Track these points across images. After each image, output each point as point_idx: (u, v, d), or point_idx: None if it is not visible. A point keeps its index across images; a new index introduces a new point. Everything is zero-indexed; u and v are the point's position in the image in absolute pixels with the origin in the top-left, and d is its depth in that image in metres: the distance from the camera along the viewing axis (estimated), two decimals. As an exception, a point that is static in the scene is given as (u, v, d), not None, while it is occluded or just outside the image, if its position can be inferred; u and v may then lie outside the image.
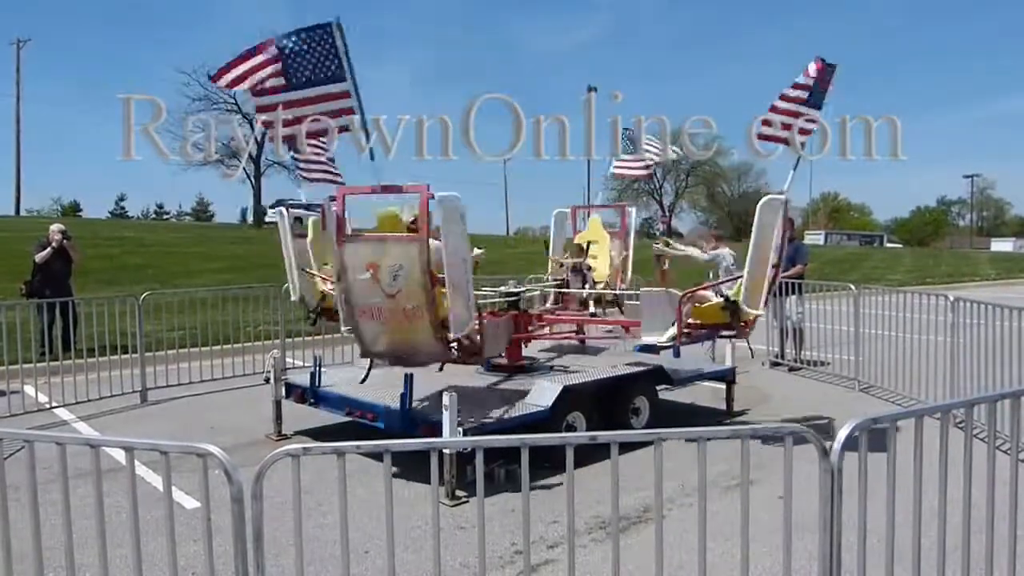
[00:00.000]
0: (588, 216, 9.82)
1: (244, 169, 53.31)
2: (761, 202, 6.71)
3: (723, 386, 8.40)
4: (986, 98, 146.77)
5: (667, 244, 7.24)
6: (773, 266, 6.63)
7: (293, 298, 7.88)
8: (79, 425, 7.97)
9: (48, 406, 8.49)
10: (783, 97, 6.66)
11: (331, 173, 8.33)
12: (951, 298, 7.95)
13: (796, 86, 6.64)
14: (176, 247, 26.92)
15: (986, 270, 34.89)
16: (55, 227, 11.58)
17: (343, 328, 6.46)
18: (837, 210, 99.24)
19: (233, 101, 53.33)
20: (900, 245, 74.34)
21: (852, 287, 10.11)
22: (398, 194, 5.88)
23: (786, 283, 10.67)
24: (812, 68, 6.64)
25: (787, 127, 6.69)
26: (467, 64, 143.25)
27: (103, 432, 7.52)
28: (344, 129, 5.84)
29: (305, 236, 7.78)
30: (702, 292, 7.18)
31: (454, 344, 6.06)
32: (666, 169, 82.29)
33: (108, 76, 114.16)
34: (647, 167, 10.16)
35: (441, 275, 5.76)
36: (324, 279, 7.53)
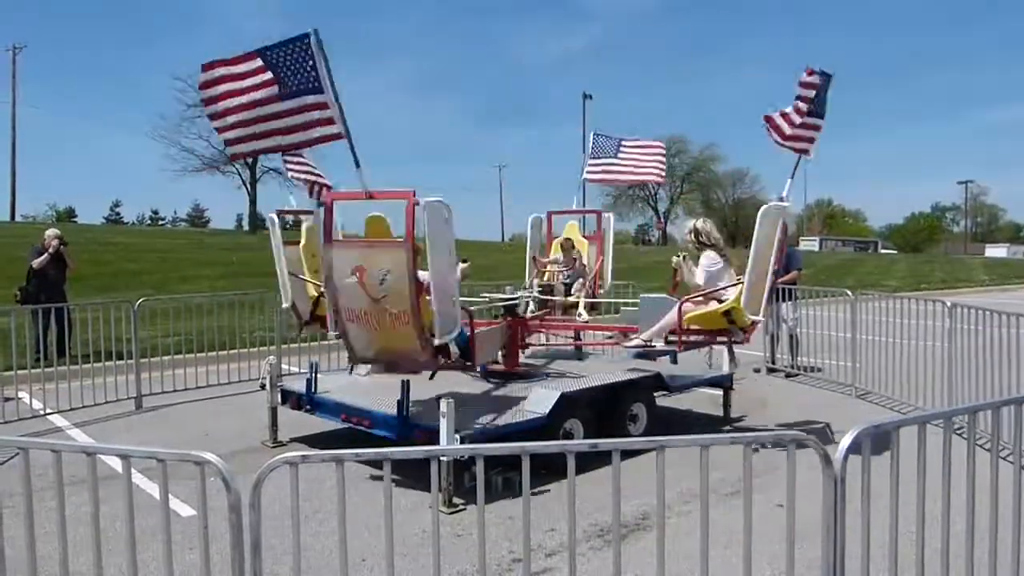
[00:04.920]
0: (564, 221, 9.86)
1: (240, 175, 53.28)
2: (762, 210, 6.75)
3: (720, 392, 8.39)
4: (980, 105, 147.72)
5: (684, 259, 7.30)
6: (772, 272, 6.68)
7: (284, 305, 7.75)
8: (74, 432, 7.91)
9: (43, 413, 8.43)
10: (795, 109, 6.83)
11: (316, 174, 8.35)
12: (949, 304, 7.95)
13: (802, 98, 6.79)
14: (172, 253, 26.87)
15: (980, 276, 35.02)
16: (51, 233, 11.54)
17: (331, 333, 6.45)
18: (832, 216, 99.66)
19: (229, 107, 53.43)
20: (894, 251, 74.59)
21: (849, 293, 10.11)
22: (386, 199, 5.95)
23: (780, 289, 10.68)
24: (808, 78, 6.77)
25: (796, 138, 6.86)
26: (460, 72, 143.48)
27: (98, 439, 7.47)
28: (329, 138, 5.85)
29: (298, 243, 7.78)
30: (697, 301, 7.11)
31: (442, 350, 6.08)
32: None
33: (103, 82, 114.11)
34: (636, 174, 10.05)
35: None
36: (317, 285, 7.52)
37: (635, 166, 9.93)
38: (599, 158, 9.84)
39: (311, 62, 5.63)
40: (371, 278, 5.73)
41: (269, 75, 5.75)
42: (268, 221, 7.80)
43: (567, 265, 9.21)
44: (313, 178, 8.27)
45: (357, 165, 5.78)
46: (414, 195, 5.65)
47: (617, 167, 9.85)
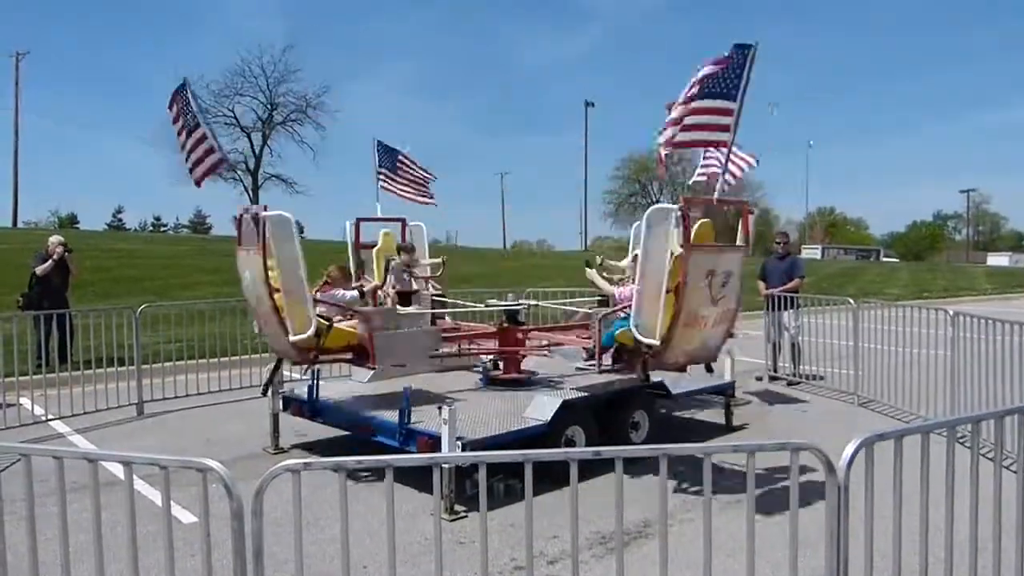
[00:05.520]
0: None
1: (242, 182, 53.37)
2: (648, 212, 6.06)
3: (722, 400, 8.38)
4: (982, 112, 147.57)
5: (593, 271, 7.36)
6: (668, 291, 5.86)
7: (297, 337, 6.55)
8: (75, 438, 7.91)
9: (44, 419, 8.43)
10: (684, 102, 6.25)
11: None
12: (951, 312, 7.94)
13: (697, 83, 6.17)
14: (174, 259, 26.89)
15: (983, 284, 34.97)
16: (55, 239, 11.56)
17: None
18: (834, 224, 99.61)
19: (232, 114, 53.61)
20: (896, 259, 74.52)
21: (851, 301, 10.10)
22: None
23: (782, 297, 10.68)
24: (707, 68, 6.12)
25: (701, 127, 6.20)
26: (461, 76, 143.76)
27: (99, 445, 7.47)
28: (720, 143, 6.41)
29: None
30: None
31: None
32: (663, 183, 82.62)
33: (105, 88, 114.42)
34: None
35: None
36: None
37: (408, 187, 10.18)
38: (383, 168, 9.99)
39: (739, 70, 6.01)
40: (717, 281, 5.93)
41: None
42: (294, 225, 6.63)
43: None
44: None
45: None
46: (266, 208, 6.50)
47: (395, 181, 10.06)
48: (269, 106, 54.64)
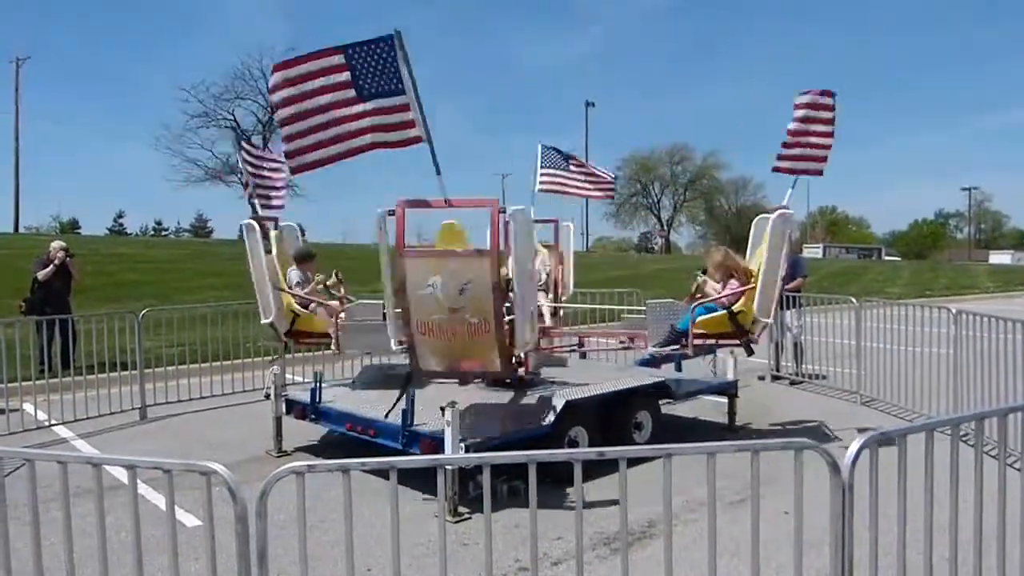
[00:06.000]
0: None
1: (243, 185, 53.42)
2: (776, 217, 6.92)
3: (725, 400, 8.37)
4: (984, 111, 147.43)
5: (704, 280, 7.45)
6: (781, 277, 7.02)
7: (264, 321, 7.58)
8: (78, 443, 7.92)
9: (47, 424, 8.44)
10: (795, 132, 7.24)
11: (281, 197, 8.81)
12: (954, 311, 7.93)
13: (819, 119, 7.26)
14: (175, 263, 26.92)
15: (985, 283, 34.95)
16: (57, 244, 11.57)
17: (394, 344, 6.26)
18: (835, 223, 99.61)
19: (232, 118, 53.66)
20: (898, 258, 74.49)
21: (854, 300, 10.10)
22: (462, 208, 5.89)
23: (785, 296, 10.67)
24: (823, 99, 7.26)
25: (803, 158, 7.30)
26: (462, 76, 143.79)
27: (103, 449, 7.48)
28: (408, 142, 5.75)
29: (269, 252, 7.66)
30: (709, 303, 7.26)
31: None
32: (664, 183, 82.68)
33: (106, 93, 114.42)
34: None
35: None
36: (303, 298, 7.76)
37: (586, 183, 10.21)
38: (548, 168, 9.95)
39: (394, 64, 5.54)
40: (450, 288, 5.62)
41: (346, 76, 5.60)
42: (244, 228, 7.52)
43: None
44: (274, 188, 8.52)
45: (438, 172, 5.73)
46: (498, 203, 5.63)
47: (569, 181, 10.08)
48: (269, 109, 54.66)
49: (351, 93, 5.63)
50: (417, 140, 5.71)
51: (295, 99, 5.71)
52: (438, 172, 5.71)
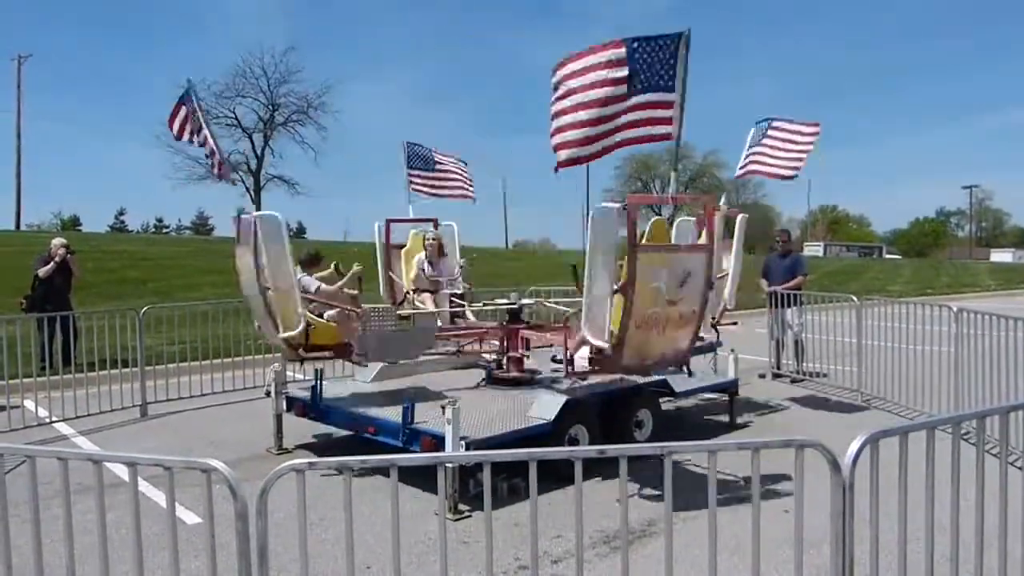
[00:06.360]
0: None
1: (244, 183, 53.38)
2: (593, 211, 5.86)
3: (726, 398, 8.37)
4: (985, 109, 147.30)
5: None
6: (615, 291, 5.79)
7: (287, 334, 6.86)
8: (79, 440, 7.92)
9: (48, 421, 8.45)
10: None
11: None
12: (955, 309, 7.92)
13: (605, 82, 5.81)
14: (176, 260, 26.90)
15: (986, 281, 34.93)
16: (57, 241, 11.58)
17: (604, 344, 5.84)
18: (836, 222, 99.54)
19: (233, 116, 53.61)
20: (899, 256, 74.43)
21: (854, 298, 10.09)
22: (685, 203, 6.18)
23: (785, 295, 10.67)
24: (609, 55, 5.78)
25: (637, 124, 6.03)
26: (466, 79, 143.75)
27: (103, 446, 7.47)
28: (659, 138, 5.83)
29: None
30: None
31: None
32: (665, 181, 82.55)
33: (107, 91, 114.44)
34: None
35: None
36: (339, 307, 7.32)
37: (450, 183, 9.92)
38: (752, 147, 8.96)
39: (673, 60, 5.56)
40: (672, 281, 5.68)
41: (624, 71, 5.56)
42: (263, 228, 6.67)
43: None
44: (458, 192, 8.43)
45: (675, 168, 5.85)
46: (714, 200, 5.83)
47: (764, 156, 8.83)
48: (270, 107, 54.62)
49: (623, 89, 5.64)
50: (667, 137, 5.77)
51: (575, 91, 5.70)
52: (675, 169, 5.87)
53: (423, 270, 9.10)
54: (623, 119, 5.68)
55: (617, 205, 5.71)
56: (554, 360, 7.56)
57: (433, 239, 9.23)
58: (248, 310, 11.13)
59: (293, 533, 2.98)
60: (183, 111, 7.19)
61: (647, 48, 5.47)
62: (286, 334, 6.83)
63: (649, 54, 5.52)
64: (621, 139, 5.71)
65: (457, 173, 10.18)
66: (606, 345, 5.83)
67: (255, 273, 6.75)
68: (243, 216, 6.90)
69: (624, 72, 5.50)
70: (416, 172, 9.91)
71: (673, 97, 5.58)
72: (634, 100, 5.62)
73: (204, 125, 7.21)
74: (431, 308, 8.77)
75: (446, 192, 10.13)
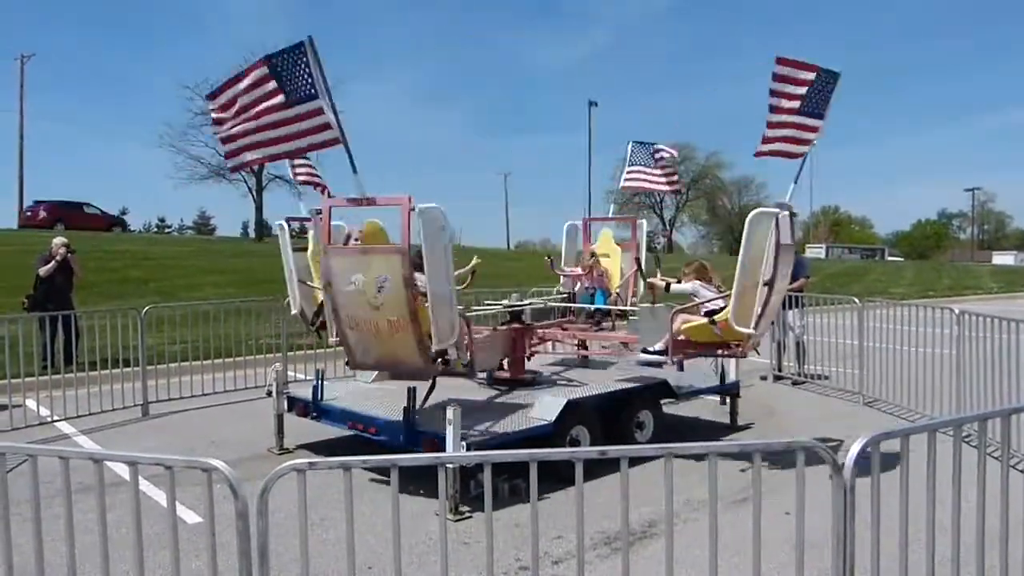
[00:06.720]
0: (599, 229, 9.81)
1: (246, 183, 53.42)
2: (751, 215, 6.40)
3: (727, 400, 8.36)
4: (987, 111, 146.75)
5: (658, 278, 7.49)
6: (765, 283, 6.23)
7: (294, 311, 7.84)
8: (80, 439, 7.92)
9: (50, 420, 8.45)
10: (777, 109, 6.43)
11: (314, 175, 8.50)
12: (957, 311, 7.92)
13: (788, 96, 6.39)
14: (178, 260, 26.93)
15: (988, 283, 34.86)
16: (58, 241, 11.60)
17: (331, 339, 6.56)
18: (838, 223, 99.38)
19: (235, 115, 53.61)
20: (901, 258, 74.34)
21: (856, 300, 10.08)
22: (385, 206, 5.94)
23: (787, 297, 10.64)
24: (801, 72, 6.37)
25: (787, 139, 6.51)
26: (466, 80, 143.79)
27: (105, 446, 7.48)
28: (326, 144, 5.85)
29: (306, 249, 7.79)
30: (690, 312, 6.92)
31: (440, 357, 6.02)
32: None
33: (110, 91, 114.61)
34: (668, 182, 9.99)
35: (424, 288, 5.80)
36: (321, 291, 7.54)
37: (663, 175, 9.97)
38: (635, 165, 9.76)
39: (307, 69, 5.65)
40: (369, 285, 5.71)
41: (273, 84, 5.75)
42: (277, 228, 7.90)
43: (589, 278, 9.04)
44: (316, 179, 8.39)
45: (354, 171, 5.80)
46: (410, 201, 5.62)
47: (651, 175, 9.76)
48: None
49: (280, 99, 5.75)
50: (335, 142, 5.80)
51: (229, 107, 5.97)
52: (355, 171, 5.81)
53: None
54: (289, 129, 5.82)
55: (781, 211, 6.22)
56: (645, 352, 7.53)
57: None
58: (247, 310, 11.19)
59: (294, 533, 2.98)
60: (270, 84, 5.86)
61: (284, 62, 5.70)
62: (442, 344, 5.90)
63: (288, 67, 5.70)
64: (296, 147, 5.90)
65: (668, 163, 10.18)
66: (755, 331, 6.44)
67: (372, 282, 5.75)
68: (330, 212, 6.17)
69: (273, 84, 5.75)
70: (637, 168, 9.92)
71: (319, 103, 5.70)
72: (289, 113, 5.77)
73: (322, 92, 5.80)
74: None
75: (661, 183, 10.10)
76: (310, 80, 5.67)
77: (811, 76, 6.37)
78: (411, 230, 5.65)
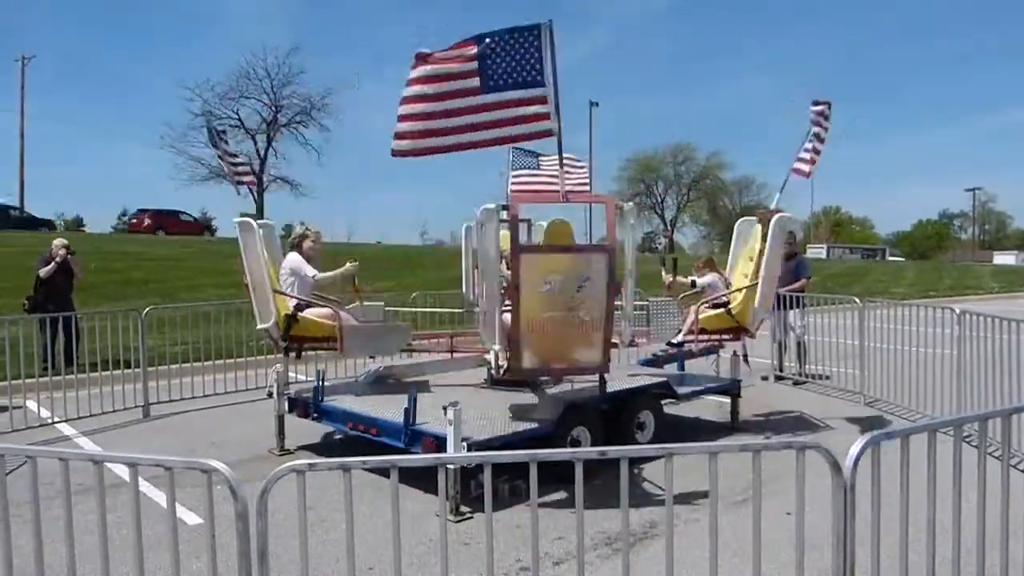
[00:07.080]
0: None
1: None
2: (776, 221, 7.32)
3: (728, 400, 8.36)
4: (988, 111, 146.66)
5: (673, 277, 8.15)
6: (777, 276, 7.66)
7: (261, 325, 7.18)
8: (81, 440, 7.93)
9: (50, 421, 8.45)
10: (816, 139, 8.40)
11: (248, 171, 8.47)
12: (957, 311, 7.91)
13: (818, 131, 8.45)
14: (179, 261, 26.93)
15: (989, 283, 34.85)
16: (59, 242, 11.61)
17: (494, 346, 6.29)
18: (839, 224, 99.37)
19: (236, 116, 53.68)
20: (902, 259, 74.31)
21: (857, 300, 10.08)
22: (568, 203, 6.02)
23: (788, 297, 10.65)
24: (817, 108, 8.34)
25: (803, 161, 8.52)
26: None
27: (105, 447, 7.48)
28: (540, 135, 5.68)
29: (297, 247, 7.49)
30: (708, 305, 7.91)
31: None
32: (668, 183, 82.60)
33: (109, 91, 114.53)
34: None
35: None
36: (298, 299, 7.23)
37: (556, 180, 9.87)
38: (520, 170, 9.62)
39: (537, 54, 5.40)
40: (568, 285, 5.60)
41: (474, 65, 5.43)
42: (238, 227, 7.16)
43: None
44: (250, 178, 8.37)
45: (561, 165, 5.71)
46: (615, 200, 5.62)
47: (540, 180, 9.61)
48: (274, 108, 54.62)
49: (475, 83, 5.47)
50: (548, 134, 5.64)
51: (422, 81, 5.57)
52: (561, 166, 5.75)
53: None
54: (482, 117, 5.52)
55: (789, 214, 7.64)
56: (669, 344, 8.24)
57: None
58: (248, 311, 11.21)
59: (294, 534, 2.98)
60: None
61: (501, 44, 5.34)
62: (261, 325, 7.17)
63: (505, 50, 5.38)
64: (506, 134, 5.59)
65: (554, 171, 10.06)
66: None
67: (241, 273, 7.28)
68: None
69: (473, 66, 5.38)
70: (521, 174, 9.74)
71: (544, 92, 5.43)
72: (493, 98, 5.46)
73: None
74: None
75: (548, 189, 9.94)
76: (538, 66, 5.40)
77: (825, 109, 8.45)
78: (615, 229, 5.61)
